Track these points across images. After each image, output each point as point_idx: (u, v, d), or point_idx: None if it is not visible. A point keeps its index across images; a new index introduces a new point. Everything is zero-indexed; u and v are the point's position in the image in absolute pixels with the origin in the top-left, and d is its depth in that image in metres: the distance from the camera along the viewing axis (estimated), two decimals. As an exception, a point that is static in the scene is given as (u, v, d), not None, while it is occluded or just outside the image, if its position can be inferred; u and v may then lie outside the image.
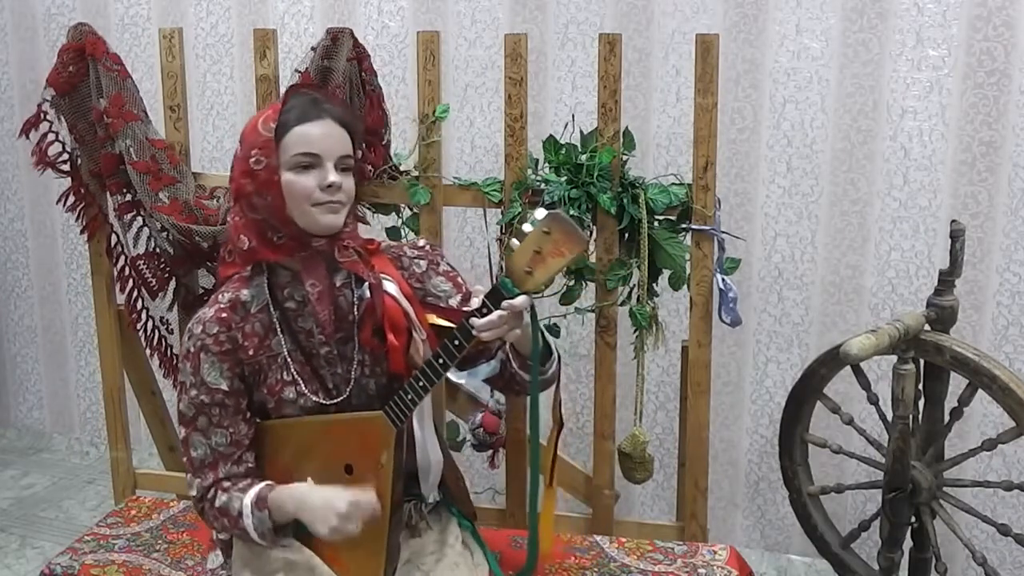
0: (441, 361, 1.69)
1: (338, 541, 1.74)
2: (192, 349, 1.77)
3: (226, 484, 1.78)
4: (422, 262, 1.89)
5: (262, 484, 1.77)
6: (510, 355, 1.81)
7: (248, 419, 1.81)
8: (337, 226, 1.73)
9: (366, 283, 1.78)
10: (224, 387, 1.77)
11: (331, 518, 1.65)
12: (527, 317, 1.68)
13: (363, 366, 1.81)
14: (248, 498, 1.74)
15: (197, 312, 1.82)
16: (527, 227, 1.61)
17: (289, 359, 1.79)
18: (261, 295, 1.79)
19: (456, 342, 1.67)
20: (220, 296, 1.80)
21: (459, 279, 1.90)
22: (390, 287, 1.79)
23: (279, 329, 1.78)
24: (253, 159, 1.72)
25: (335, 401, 1.80)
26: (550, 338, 1.84)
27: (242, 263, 1.79)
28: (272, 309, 1.78)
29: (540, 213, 1.61)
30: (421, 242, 1.94)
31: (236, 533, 1.79)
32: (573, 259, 1.61)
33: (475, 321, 1.63)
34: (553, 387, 1.90)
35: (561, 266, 1.60)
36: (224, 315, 1.77)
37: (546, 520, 1.93)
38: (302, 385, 1.79)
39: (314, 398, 1.79)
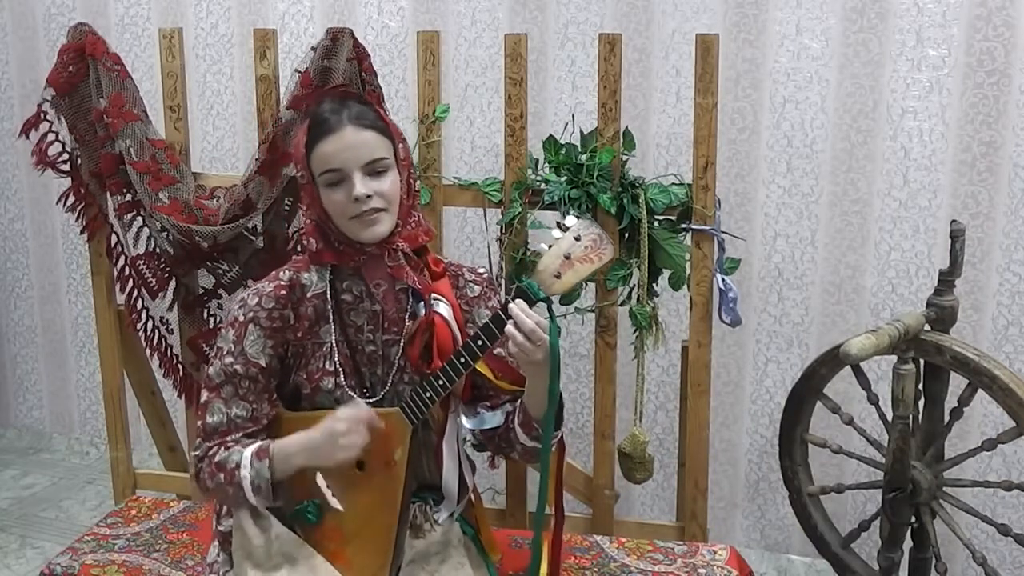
0: (463, 360, 1.69)
1: (340, 538, 1.74)
2: (242, 318, 1.78)
3: (230, 444, 1.78)
4: (476, 287, 1.90)
5: (265, 440, 1.78)
6: (517, 409, 1.80)
7: (272, 400, 1.82)
8: (378, 236, 1.74)
9: (422, 302, 1.79)
10: (262, 363, 1.78)
11: (337, 440, 1.68)
12: (545, 353, 1.67)
13: (402, 371, 1.82)
14: (249, 450, 1.75)
15: (253, 285, 1.83)
16: (556, 232, 1.63)
17: (335, 349, 1.79)
18: (321, 281, 1.81)
19: (479, 342, 1.68)
20: (281, 273, 1.82)
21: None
22: (443, 309, 1.80)
23: (331, 318, 1.80)
24: (299, 174, 1.77)
25: (368, 401, 1.80)
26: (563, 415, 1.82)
27: (310, 260, 1.82)
28: (329, 297, 1.80)
29: (570, 219, 1.63)
30: (481, 269, 1.94)
31: (228, 493, 1.78)
32: (602, 266, 1.63)
33: (512, 307, 1.63)
34: (555, 472, 1.86)
35: (589, 272, 1.63)
36: (283, 292, 1.79)
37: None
38: (343, 377, 1.79)
39: (351, 393, 1.80)
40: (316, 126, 1.73)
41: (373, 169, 1.72)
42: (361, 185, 1.70)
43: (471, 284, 1.90)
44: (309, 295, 1.80)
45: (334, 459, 1.70)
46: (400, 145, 1.78)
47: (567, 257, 1.62)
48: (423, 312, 1.79)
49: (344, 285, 1.81)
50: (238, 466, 1.74)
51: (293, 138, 1.79)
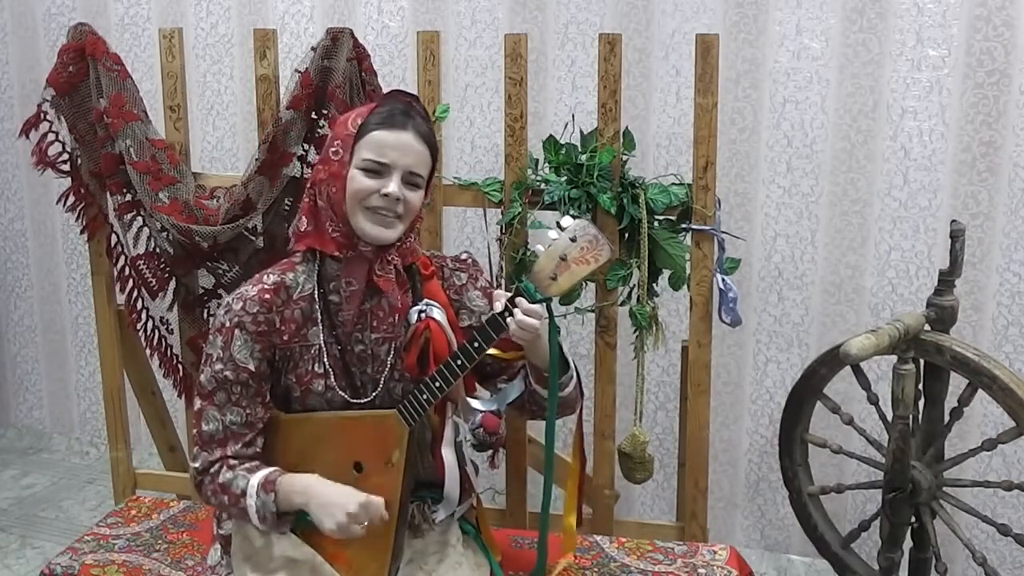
0: (459, 362, 1.70)
1: (340, 540, 1.75)
2: (227, 324, 1.77)
3: (232, 462, 1.77)
4: (462, 275, 1.90)
5: (271, 468, 1.77)
6: (528, 370, 1.81)
7: (266, 403, 1.82)
8: (384, 239, 1.74)
9: (416, 308, 1.79)
10: (251, 367, 1.77)
11: (339, 515, 1.67)
12: (544, 332, 1.69)
13: (394, 370, 1.82)
14: (255, 479, 1.74)
15: (239, 288, 1.82)
16: (553, 234, 1.63)
17: (324, 351, 1.79)
18: (308, 283, 1.80)
19: (475, 344, 1.68)
20: (265, 277, 1.81)
21: (499, 293, 1.91)
22: (437, 314, 1.80)
23: (319, 319, 1.79)
24: (332, 149, 1.76)
25: (360, 401, 1.80)
26: (568, 354, 1.83)
27: (294, 242, 1.82)
28: (316, 298, 1.79)
29: (567, 220, 1.63)
30: (464, 255, 1.95)
31: (232, 512, 1.78)
32: (598, 267, 1.63)
33: (512, 319, 1.64)
34: (575, 422, 1.90)
35: (586, 274, 1.62)
36: (267, 296, 1.78)
37: (568, 552, 1.95)
38: (332, 379, 1.79)
39: (342, 394, 1.79)
40: (382, 115, 1.75)
41: (410, 180, 1.75)
42: (395, 186, 1.72)
43: (457, 273, 1.90)
44: (295, 297, 1.80)
45: (324, 526, 1.69)
46: (434, 173, 1.82)
47: (563, 259, 1.62)
48: (416, 318, 1.79)
49: (331, 286, 1.80)
50: (244, 493, 1.74)
51: (343, 116, 1.81)
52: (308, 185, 1.81)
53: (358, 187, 1.72)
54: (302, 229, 1.79)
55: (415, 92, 2.40)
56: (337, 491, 1.70)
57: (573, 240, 1.61)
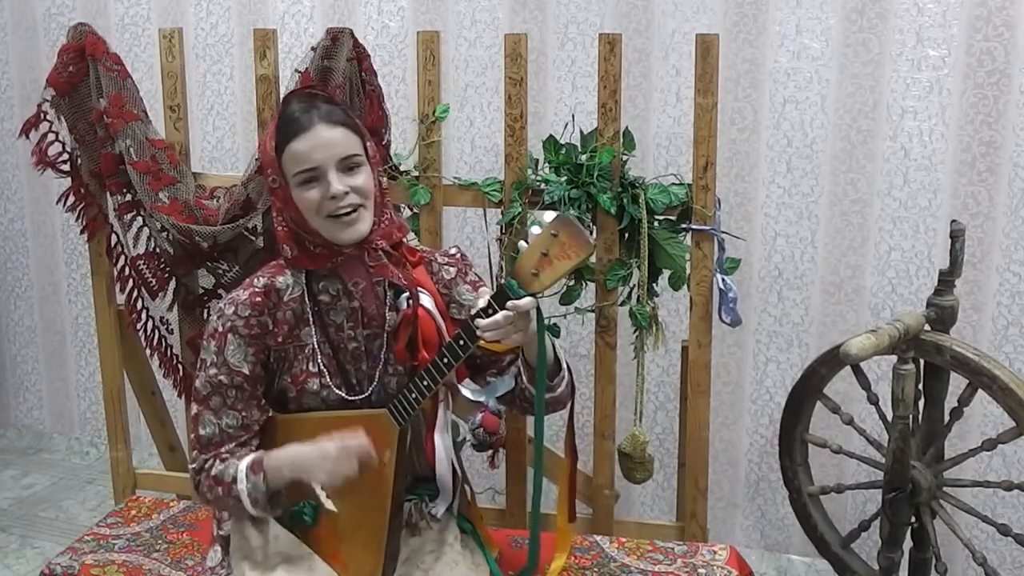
0: (445, 360, 1.70)
1: (337, 538, 1.74)
2: (220, 329, 1.78)
3: (225, 455, 1.79)
4: (451, 269, 1.90)
5: (258, 452, 1.78)
6: (521, 368, 1.81)
7: (262, 406, 1.82)
8: (358, 236, 1.74)
9: (404, 295, 1.79)
10: (245, 371, 1.77)
11: (326, 463, 1.68)
12: (534, 325, 1.69)
13: (387, 365, 1.82)
14: (243, 463, 1.75)
15: (229, 294, 1.82)
16: (535, 229, 1.63)
17: (317, 351, 1.79)
18: (298, 284, 1.80)
19: (461, 341, 1.68)
20: (255, 280, 1.81)
21: (484, 290, 1.91)
22: (426, 301, 1.80)
23: (311, 320, 1.80)
24: (270, 178, 1.77)
25: (357, 397, 1.81)
26: (561, 353, 1.83)
27: (288, 266, 1.82)
28: (306, 299, 1.80)
29: (548, 215, 1.63)
30: (452, 249, 1.94)
31: (229, 505, 1.79)
32: (580, 262, 1.62)
33: (480, 321, 1.63)
34: (567, 417, 1.90)
35: (568, 269, 1.62)
36: (258, 299, 1.78)
37: (562, 552, 1.95)
38: (327, 378, 1.80)
39: (338, 392, 1.80)
40: (286, 126, 1.73)
41: (347, 166, 1.73)
42: (337, 182, 1.71)
43: (446, 267, 1.90)
44: (286, 299, 1.80)
45: (319, 480, 1.70)
46: (368, 143, 1.79)
47: (544, 254, 1.62)
48: (405, 305, 1.79)
49: (320, 286, 1.81)
50: (235, 480, 1.75)
51: (261, 139, 1.80)
52: (275, 214, 1.81)
53: (307, 204, 1.72)
54: (290, 256, 1.79)
55: (415, 92, 2.41)
56: (316, 446, 1.71)
57: (555, 235, 1.61)
